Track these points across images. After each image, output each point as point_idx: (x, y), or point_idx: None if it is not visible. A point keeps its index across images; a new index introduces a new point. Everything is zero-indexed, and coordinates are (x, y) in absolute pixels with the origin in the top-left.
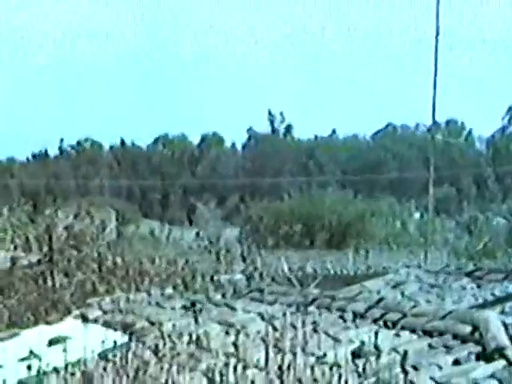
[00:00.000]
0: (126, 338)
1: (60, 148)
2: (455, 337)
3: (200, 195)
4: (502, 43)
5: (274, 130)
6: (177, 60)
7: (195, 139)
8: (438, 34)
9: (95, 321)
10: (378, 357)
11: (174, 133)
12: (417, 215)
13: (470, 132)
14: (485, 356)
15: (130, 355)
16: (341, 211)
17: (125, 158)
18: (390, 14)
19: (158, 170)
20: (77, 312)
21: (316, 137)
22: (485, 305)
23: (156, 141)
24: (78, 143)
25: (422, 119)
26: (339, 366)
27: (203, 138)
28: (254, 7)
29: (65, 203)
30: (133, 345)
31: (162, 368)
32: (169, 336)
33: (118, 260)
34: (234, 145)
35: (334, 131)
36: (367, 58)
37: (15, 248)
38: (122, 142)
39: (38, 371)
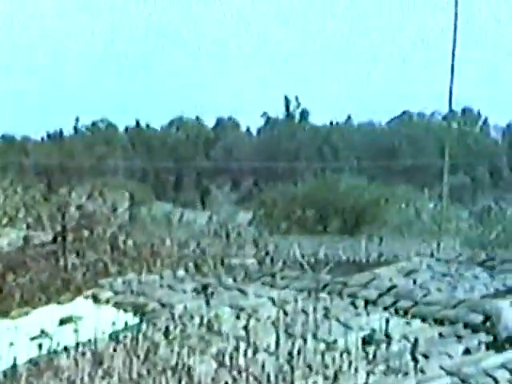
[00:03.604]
0: (137, 320)
1: (75, 128)
2: (466, 326)
3: (214, 178)
4: None
5: (289, 115)
6: (194, 44)
7: (210, 123)
8: (456, 21)
9: (106, 301)
10: (389, 344)
11: (188, 116)
12: (431, 203)
13: (485, 121)
14: (496, 345)
15: (140, 337)
16: (355, 197)
17: (139, 140)
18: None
19: (172, 153)
20: (88, 292)
21: (331, 122)
22: (497, 294)
23: (171, 123)
24: (93, 124)
25: (438, 107)
26: (349, 353)
27: (218, 122)
28: None
29: (79, 183)
30: (144, 326)
31: (172, 350)
32: (180, 318)
33: (130, 241)
34: (248, 129)
35: (349, 117)
36: (386, 46)
37: (28, 227)
38: (137, 124)
39: (49, 350)
